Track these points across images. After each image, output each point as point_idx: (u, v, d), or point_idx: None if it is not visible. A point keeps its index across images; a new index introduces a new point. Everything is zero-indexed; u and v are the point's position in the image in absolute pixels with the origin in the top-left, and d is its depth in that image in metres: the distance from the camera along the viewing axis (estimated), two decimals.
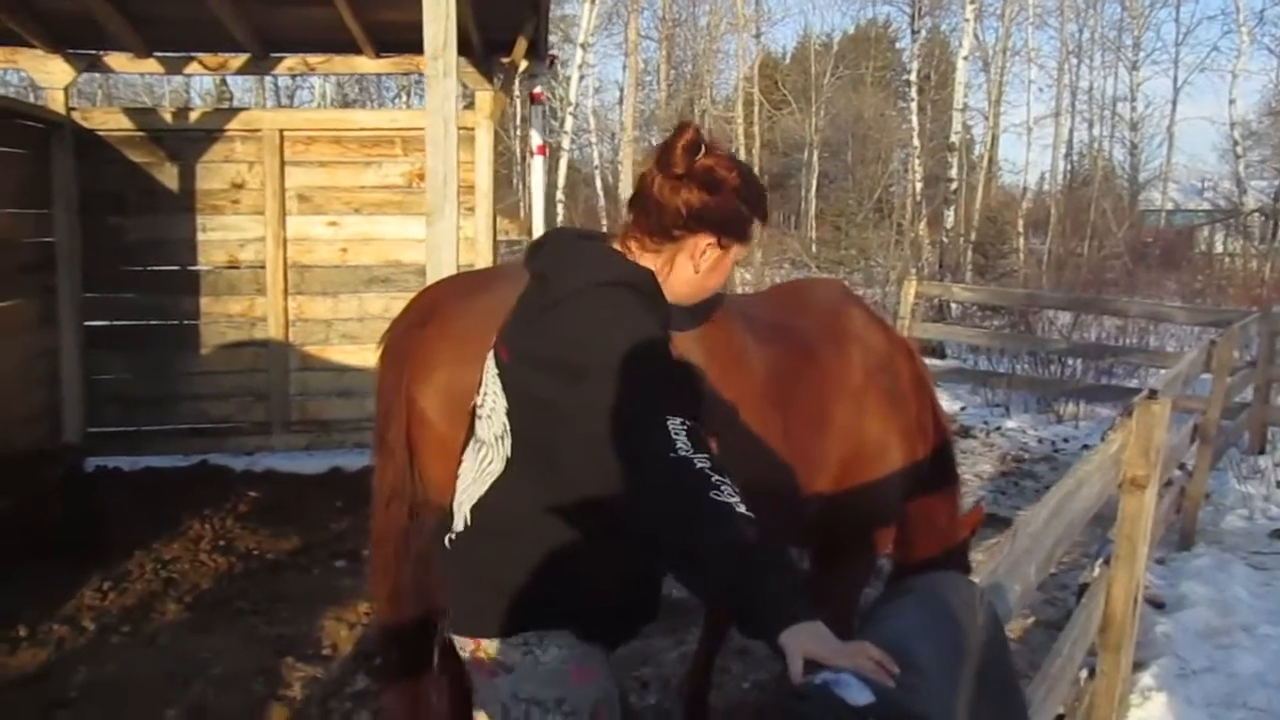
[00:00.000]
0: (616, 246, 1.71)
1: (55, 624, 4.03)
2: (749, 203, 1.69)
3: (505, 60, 6.29)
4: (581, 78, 23.01)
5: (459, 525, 1.72)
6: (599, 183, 26.10)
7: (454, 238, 3.46)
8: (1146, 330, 10.59)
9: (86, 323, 6.34)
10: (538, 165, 6.51)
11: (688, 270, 1.69)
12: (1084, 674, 2.94)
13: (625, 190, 19.70)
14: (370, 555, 2.48)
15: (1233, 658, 4.00)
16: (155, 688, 3.57)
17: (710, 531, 1.36)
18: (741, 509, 1.38)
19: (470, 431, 1.78)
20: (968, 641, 1.30)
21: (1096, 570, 2.85)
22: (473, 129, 6.36)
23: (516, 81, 6.51)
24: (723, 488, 1.39)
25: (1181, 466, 6.05)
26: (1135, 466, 2.67)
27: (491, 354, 1.75)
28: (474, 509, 1.69)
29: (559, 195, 20.53)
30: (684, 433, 1.44)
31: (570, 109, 21.28)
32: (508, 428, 1.65)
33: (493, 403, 1.69)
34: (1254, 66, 40.04)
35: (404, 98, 27.83)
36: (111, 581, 4.47)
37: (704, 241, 1.67)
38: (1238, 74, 24.08)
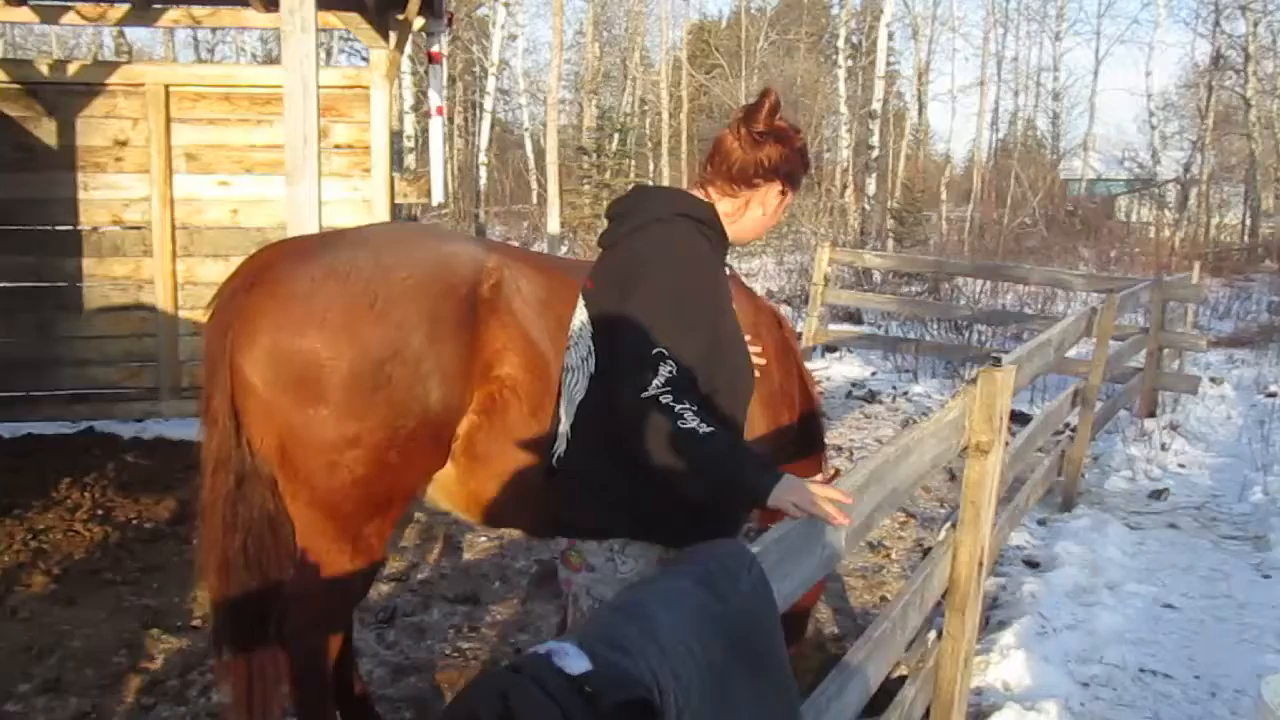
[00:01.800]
0: (695, 192, 2.02)
1: None
2: (806, 159, 2.05)
3: (401, 18, 6.11)
4: (513, 37, 22.58)
5: (560, 447, 1.98)
6: (529, 144, 25.75)
7: (315, 199, 3.36)
8: (1052, 297, 10.83)
9: None
10: (436, 126, 6.35)
11: (758, 212, 2.02)
12: (932, 635, 3.01)
13: (554, 153, 19.38)
14: (197, 526, 2.41)
15: (1095, 615, 4.12)
16: (11, 661, 3.47)
17: (683, 459, 1.67)
18: (703, 429, 1.67)
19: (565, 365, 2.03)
20: (718, 607, 1.30)
21: (943, 534, 2.90)
22: (367, 88, 6.18)
23: (424, 39, 6.32)
24: (685, 415, 1.68)
25: (1070, 429, 6.22)
26: (979, 432, 2.71)
27: (580, 291, 2.01)
28: (570, 429, 1.95)
29: (483, 158, 20.17)
30: (668, 364, 1.72)
31: (493, 69, 20.88)
32: (592, 349, 1.92)
33: (579, 329, 1.96)
34: (1171, 39, 41.03)
35: (325, 54, 27.03)
36: None
37: (775, 189, 2.01)
38: (1155, 46, 24.70)
